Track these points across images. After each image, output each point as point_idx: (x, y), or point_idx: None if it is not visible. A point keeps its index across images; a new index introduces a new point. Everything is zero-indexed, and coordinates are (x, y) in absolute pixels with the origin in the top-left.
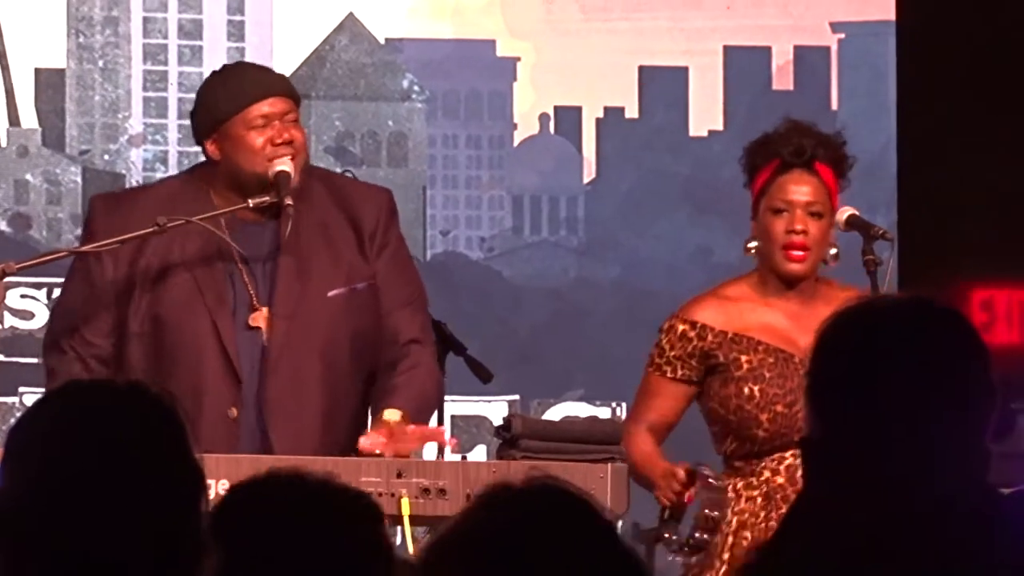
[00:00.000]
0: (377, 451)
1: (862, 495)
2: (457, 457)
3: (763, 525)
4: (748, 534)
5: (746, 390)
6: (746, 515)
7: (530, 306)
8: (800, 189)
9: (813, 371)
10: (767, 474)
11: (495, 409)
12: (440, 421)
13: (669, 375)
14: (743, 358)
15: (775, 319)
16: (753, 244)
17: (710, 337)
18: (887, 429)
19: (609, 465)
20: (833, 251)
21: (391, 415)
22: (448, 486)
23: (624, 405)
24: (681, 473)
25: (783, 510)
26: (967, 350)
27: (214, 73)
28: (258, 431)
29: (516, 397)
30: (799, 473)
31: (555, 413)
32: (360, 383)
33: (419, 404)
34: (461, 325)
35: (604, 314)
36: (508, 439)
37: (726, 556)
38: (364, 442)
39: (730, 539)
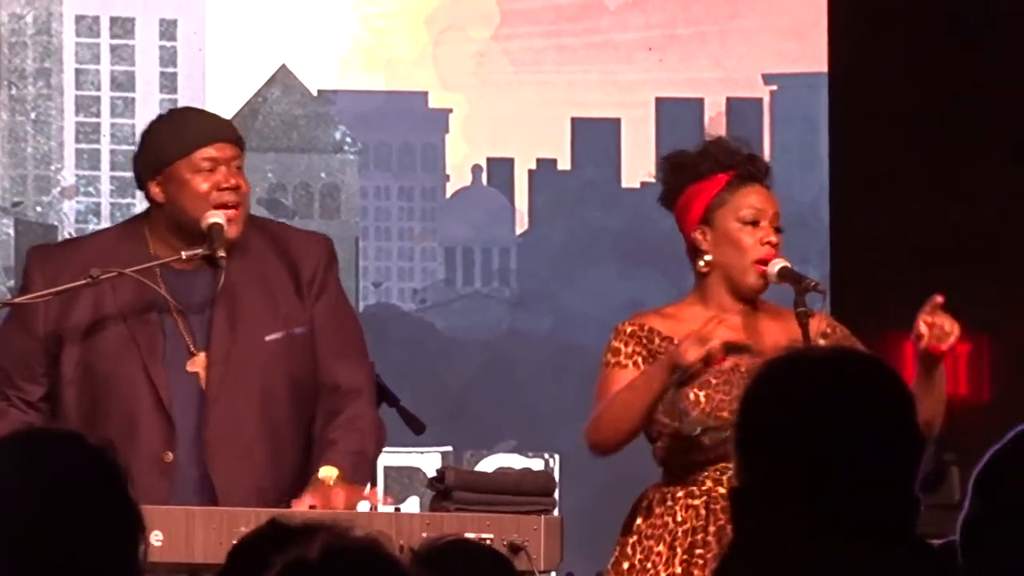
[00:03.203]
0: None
1: (792, 544)
2: (391, 509)
3: (701, 537)
4: (696, 539)
5: (691, 395)
6: (687, 524)
7: (463, 357)
8: (766, 200)
9: (742, 421)
10: (709, 483)
11: (428, 460)
12: (373, 475)
13: (631, 368)
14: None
15: (720, 331)
16: (708, 258)
17: (657, 340)
18: (816, 480)
19: (543, 517)
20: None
21: (327, 472)
22: (381, 538)
23: (557, 457)
24: (718, 344)
25: (721, 521)
26: (894, 400)
27: (160, 116)
28: (197, 476)
29: (449, 448)
30: None
31: (488, 464)
32: (301, 427)
33: (356, 461)
34: (394, 376)
35: (536, 366)
36: (441, 491)
37: (679, 569)
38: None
39: (678, 549)
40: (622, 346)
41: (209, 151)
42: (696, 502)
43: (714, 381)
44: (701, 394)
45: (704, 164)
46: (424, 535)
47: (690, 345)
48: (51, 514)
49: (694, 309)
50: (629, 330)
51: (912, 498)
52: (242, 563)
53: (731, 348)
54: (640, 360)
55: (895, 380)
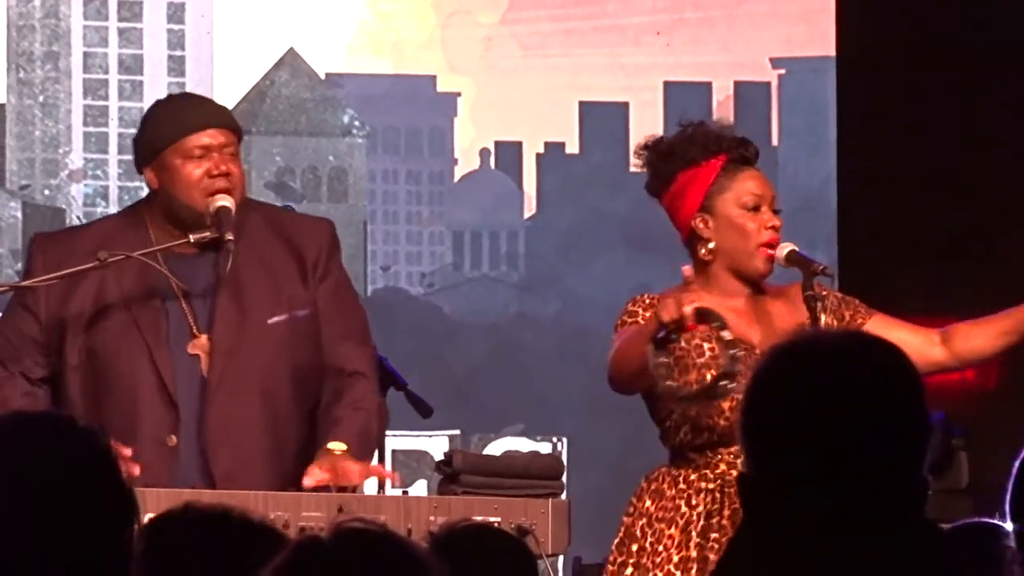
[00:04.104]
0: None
1: (801, 528)
2: (398, 492)
3: (716, 521)
4: (711, 523)
5: (708, 377)
6: (701, 507)
7: (470, 341)
8: (765, 185)
9: (752, 406)
10: (723, 467)
11: (436, 444)
12: (381, 456)
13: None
14: (706, 345)
15: (728, 314)
16: (712, 246)
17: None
18: (828, 464)
19: (550, 500)
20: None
21: (336, 447)
22: (389, 521)
23: (564, 440)
24: (691, 310)
25: (736, 505)
26: (906, 384)
27: (158, 102)
28: (199, 460)
29: (456, 432)
30: None
31: (495, 448)
32: (303, 412)
33: (362, 439)
34: (401, 360)
35: (544, 349)
36: (449, 474)
37: (694, 553)
38: (307, 481)
39: (692, 533)
40: (640, 310)
41: (201, 138)
42: (710, 486)
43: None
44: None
45: (693, 150)
46: (432, 518)
47: (668, 303)
48: (42, 497)
49: (698, 294)
50: (648, 300)
51: (922, 482)
52: (154, 543)
53: (704, 315)
54: None
55: (905, 363)
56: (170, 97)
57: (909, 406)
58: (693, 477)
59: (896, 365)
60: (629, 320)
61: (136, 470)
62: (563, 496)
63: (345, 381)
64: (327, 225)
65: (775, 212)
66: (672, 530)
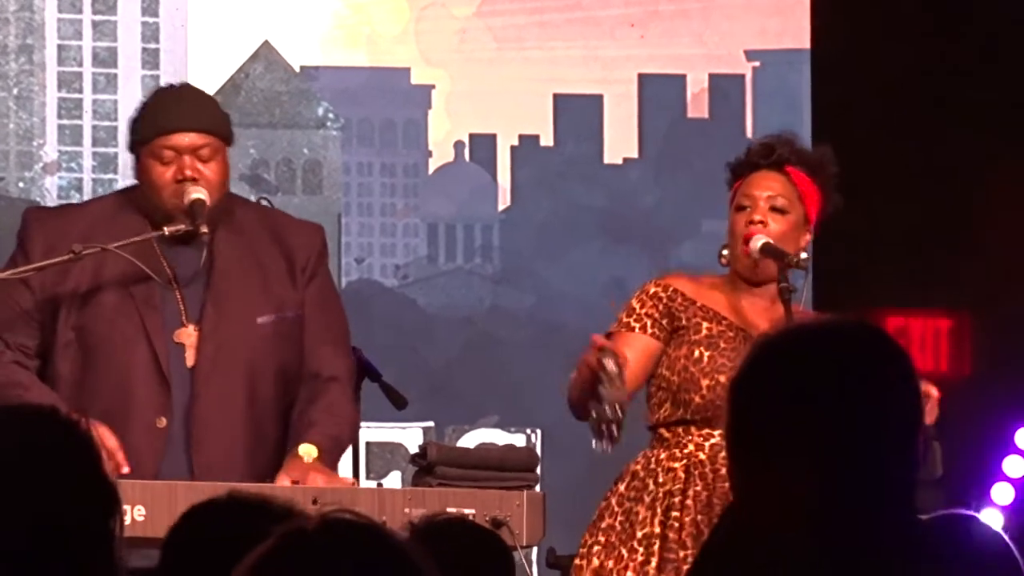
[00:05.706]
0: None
1: (787, 516)
2: (373, 484)
3: (679, 500)
4: (674, 502)
5: (696, 352)
6: (667, 486)
7: (444, 334)
8: (763, 184)
9: (740, 400)
10: (691, 447)
11: (410, 435)
12: (355, 450)
13: (638, 330)
14: (705, 324)
15: (743, 305)
16: (725, 252)
17: (679, 300)
18: (814, 450)
19: (525, 492)
20: (804, 255)
21: (307, 450)
22: (364, 512)
23: (539, 432)
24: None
25: (699, 487)
26: (897, 366)
27: (154, 92)
28: (185, 445)
29: (431, 424)
30: (722, 454)
31: (470, 440)
32: (282, 411)
33: (333, 443)
34: (376, 352)
35: (518, 342)
36: (424, 466)
37: (657, 529)
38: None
39: (658, 510)
40: (638, 306)
41: (171, 139)
42: (676, 465)
43: (723, 345)
44: (706, 353)
45: (741, 165)
46: (407, 510)
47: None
48: (21, 487)
49: (720, 287)
50: (652, 291)
51: (912, 470)
52: (193, 531)
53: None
54: (650, 324)
55: (894, 346)
56: (162, 90)
57: (899, 389)
58: (663, 456)
59: (885, 347)
60: (625, 318)
61: (125, 468)
62: (537, 488)
63: (321, 385)
64: (318, 229)
65: (775, 210)
66: (639, 507)
